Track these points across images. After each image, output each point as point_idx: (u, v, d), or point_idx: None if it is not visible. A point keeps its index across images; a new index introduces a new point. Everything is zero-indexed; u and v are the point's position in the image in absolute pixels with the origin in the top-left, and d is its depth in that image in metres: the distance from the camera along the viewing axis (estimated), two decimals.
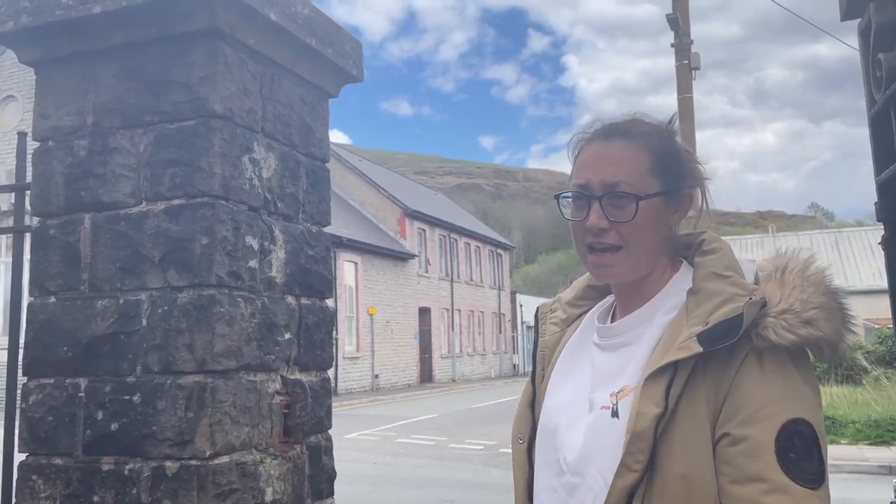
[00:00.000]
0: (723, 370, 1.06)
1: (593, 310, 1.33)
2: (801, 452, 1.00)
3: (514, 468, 1.33)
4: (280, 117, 2.24)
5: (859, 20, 1.73)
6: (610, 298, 1.31)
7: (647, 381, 1.09)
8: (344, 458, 8.88)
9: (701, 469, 1.04)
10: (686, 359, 1.06)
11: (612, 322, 1.25)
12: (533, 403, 1.34)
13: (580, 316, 1.35)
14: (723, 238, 1.22)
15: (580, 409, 1.19)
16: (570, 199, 1.21)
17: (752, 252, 35.41)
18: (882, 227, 1.67)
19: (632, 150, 1.18)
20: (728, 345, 1.05)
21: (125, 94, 2.07)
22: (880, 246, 1.66)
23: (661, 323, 1.15)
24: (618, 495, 1.07)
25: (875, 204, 1.65)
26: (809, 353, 1.09)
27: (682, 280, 1.19)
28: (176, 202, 1.97)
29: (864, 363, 17.16)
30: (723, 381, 1.06)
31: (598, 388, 1.18)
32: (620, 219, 1.15)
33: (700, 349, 1.05)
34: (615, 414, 1.12)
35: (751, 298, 1.07)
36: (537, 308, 1.46)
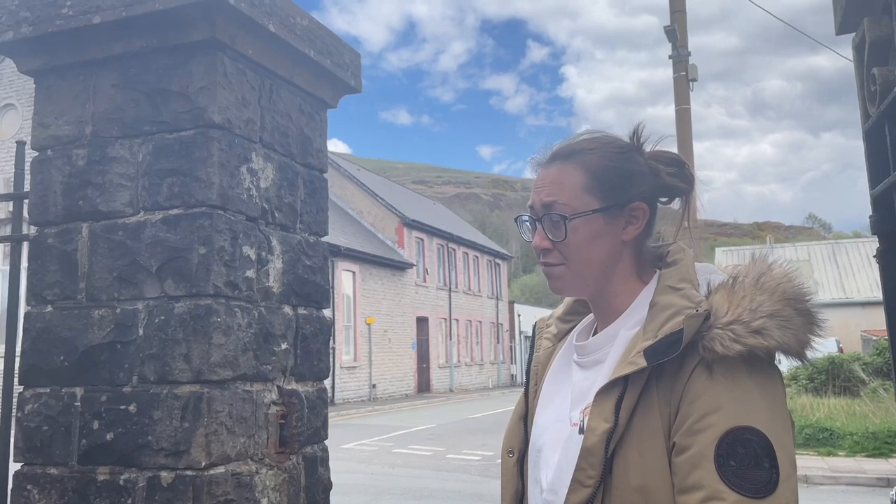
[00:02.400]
0: (673, 382, 1.07)
1: (578, 326, 1.34)
2: (745, 461, 0.98)
3: (503, 481, 1.33)
4: (278, 127, 2.24)
5: (853, 35, 1.74)
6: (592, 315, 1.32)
7: (596, 396, 1.10)
8: (341, 469, 8.85)
9: (657, 481, 1.04)
10: (636, 373, 1.07)
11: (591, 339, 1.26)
12: (526, 417, 1.34)
13: (570, 331, 1.36)
14: (687, 248, 1.22)
15: (562, 427, 1.20)
16: (527, 223, 1.26)
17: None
18: (878, 241, 1.67)
19: (566, 171, 1.21)
20: (678, 357, 1.06)
21: (124, 104, 2.08)
22: (875, 259, 1.66)
23: (626, 338, 1.16)
24: None
25: (870, 217, 1.66)
26: (780, 359, 1.09)
27: (650, 294, 1.19)
28: (174, 212, 1.97)
29: (862, 375, 17.14)
30: (673, 392, 1.06)
31: (574, 407, 1.19)
32: (557, 238, 1.19)
33: (645, 364, 1.06)
34: (582, 430, 1.12)
35: (696, 311, 1.07)
36: (534, 323, 1.47)
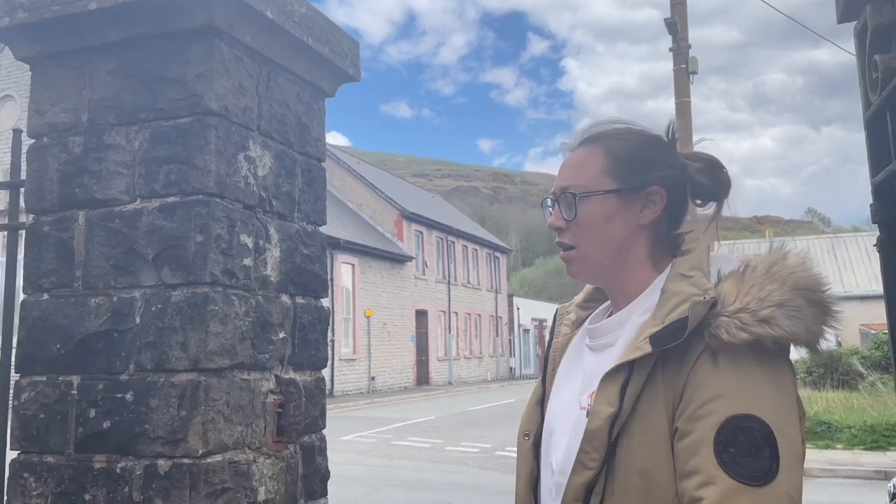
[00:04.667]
0: (679, 368, 1.07)
1: (595, 312, 1.34)
2: (745, 449, 0.98)
3: (518, 464, 1.34)
4: (276, 115, 2.23)
5: (855, 22, 1.73)
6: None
7: (602, 381, 1.11)
8: (340, 461, 8.86)
9: (660, 465, 1.04)
10: (642, 359, 1.07)
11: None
12: (542, 402, 1.35)
13: (588, 318, 1.37)
14: (702, 237, 1.22)
15: (572, 411, 1.20)
16: (549, 207, 1.28)
17: None
18: (877, 229, 1.66)
19: (588, 153, 1.23)
20: (685, 344, 1.05)
21: (121, 91, 2.07)
22: (875, 248, 1.66)
23: (636, 324, 1.16)
24: (574, 492, 1.09)
25: (870, 206, 1.65)
26: (793, 350, 1.08)
27: (663, 281, 1.19)
28: (170, 199, 1.96)
29: (860, 368, 17.18)
30: (678, 378, 1.06)
31: (584, 390, 1.20)
32: (568, 217, 1.21)
33: (650, 349, 1.07)
34: (589, 414, 1.13)
35: (703, 298, 1.07)
36: (556, 310, 1.49)
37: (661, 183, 1.20)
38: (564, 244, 1.24)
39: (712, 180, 1.23)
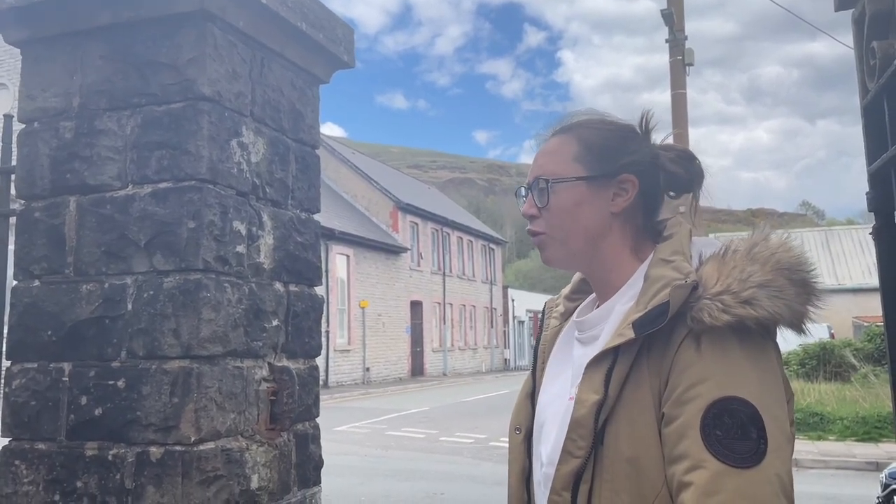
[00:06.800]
0: (663, 353, 1.06)
1: (582, 305, 1.34)
2: (732, 431, 0.97)
3: (510, 458, 1.34)
4: (269, 102, 2.21)
5: (853, 10, 1.72)
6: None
7: (587, 368, 1.11)
8: (334, 451, 8.87)
9: (648, 451, 1.04)
10: (626, 345, 1.07)
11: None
12: (533, 395, 1.35)
13: (576, 309, 1.37)
14: (685, 222, 1.21)
15: (562, 402, 1.20)
16: (524, 196, 1.28)
17: None
18: (874, 218, 1.66)
19: (560, 142, 1.24)
20: (668, 328, 1.05)
21: (113, 76, 2.05)
22: (871, 236, 1.65)
23: (620, 313, 1.16)
24: (562, 481, 1.09)
25: (866, 194, 1.65)
26: (778, 331, 1.07)
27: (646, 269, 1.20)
28: (162, 185, 1.94)
29: (853, 360, 17.25)
30: (663, 363, 1.06)
31: (574, 382, 1.19)
32: (541, 204, 1.21)
33: (633, 335, 1.06)
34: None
35: (685, 281, 1.06)
36: (545, 303, 1.48)
37: (633, 171, 1.20)
38: (535, 231, 1.23)
39: (685, 170, 1.22)
